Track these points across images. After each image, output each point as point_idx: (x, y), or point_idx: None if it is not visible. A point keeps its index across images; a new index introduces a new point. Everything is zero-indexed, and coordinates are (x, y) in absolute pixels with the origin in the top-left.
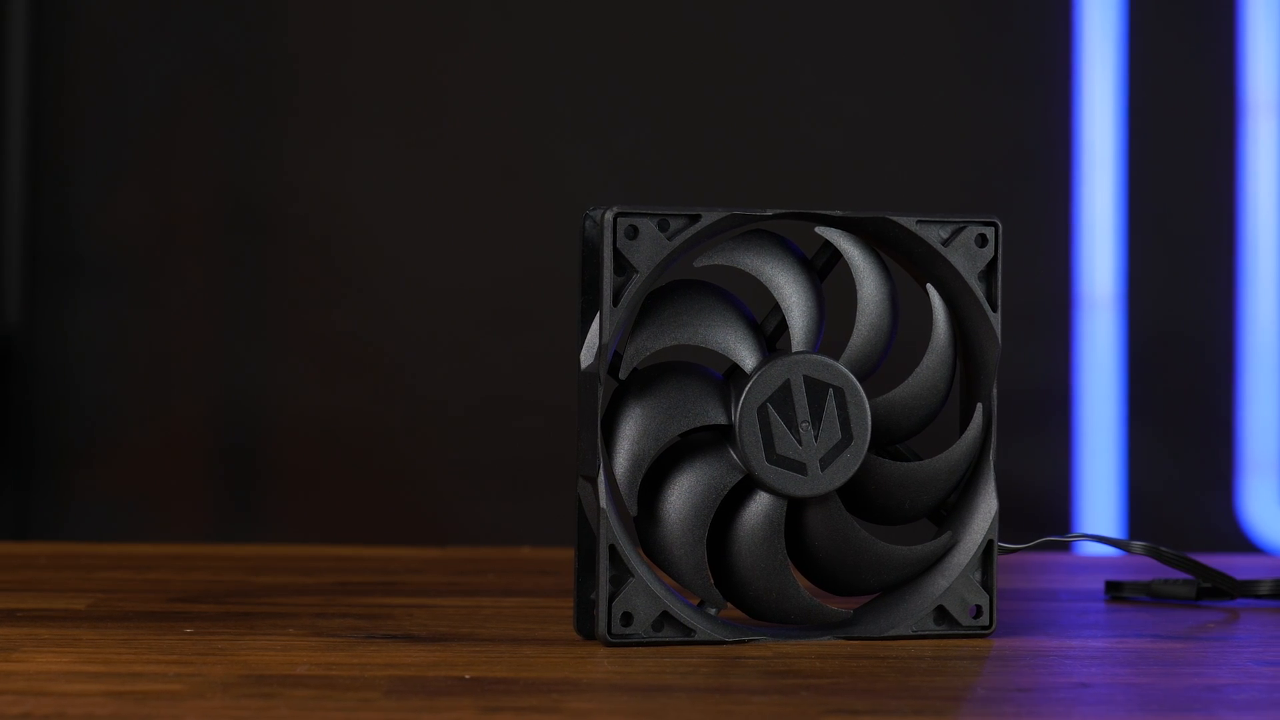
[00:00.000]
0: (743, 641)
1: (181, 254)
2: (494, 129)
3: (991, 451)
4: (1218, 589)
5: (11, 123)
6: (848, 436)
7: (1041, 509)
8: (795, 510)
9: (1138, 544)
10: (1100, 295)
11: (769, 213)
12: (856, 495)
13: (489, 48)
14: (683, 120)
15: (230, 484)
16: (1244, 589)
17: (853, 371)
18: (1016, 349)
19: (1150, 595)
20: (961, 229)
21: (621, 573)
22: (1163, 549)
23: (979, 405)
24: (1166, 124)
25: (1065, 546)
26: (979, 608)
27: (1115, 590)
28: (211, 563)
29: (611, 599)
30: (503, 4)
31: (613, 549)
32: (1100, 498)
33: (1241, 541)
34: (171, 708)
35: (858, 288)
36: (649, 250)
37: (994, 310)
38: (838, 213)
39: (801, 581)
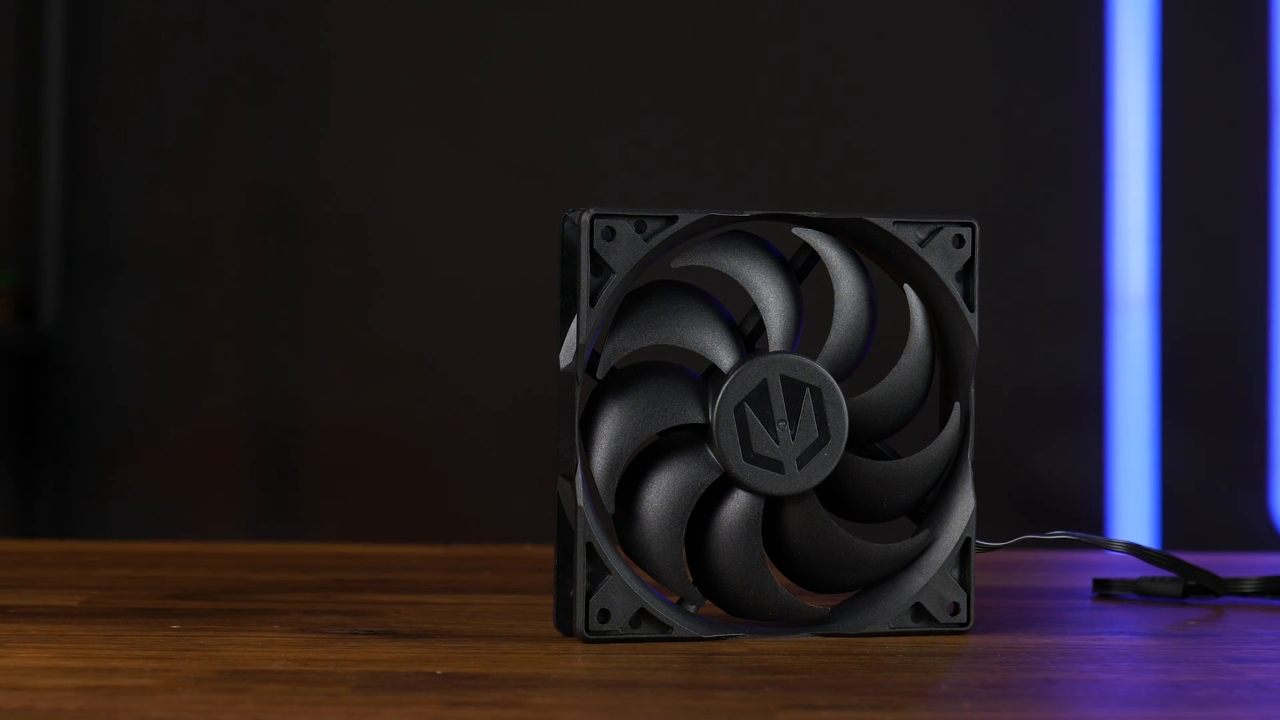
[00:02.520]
0: (720, 638)
1: (217, 254)
2: (528, 130)
3: (969, 450)
4: (1202, 587)
5: (49, 124)
6: (825, 435)
7: (1075, 508)
8: (773, 508)
9: (1119, 542)
10: (1133, 294)
11: (746, 214)
12: (835, 493)
13: (523, 50)
14: (721, 121)
15: (265, 482)
16: (1229, 587)
17: (830, 371)
18: (1050, 348)
19: (1137, 593)
20: (938, 230)
21: (599, 570)
22: (1145, 547)
23: (957, 404)
24: (1199, 123)
25: (1069, 544)
26: (957, 605)
27: (1103, 588)
28: (214, 560)
29: (589, 596)
30: (537, 7)
31: (590, 546)
32: (1134, 497)
33: (1276, 540)
34: (139, 702)
35: (835, 288)
36: (626, 251)
37: (971, 310)
38: (815, 214)
39: (780, 579)
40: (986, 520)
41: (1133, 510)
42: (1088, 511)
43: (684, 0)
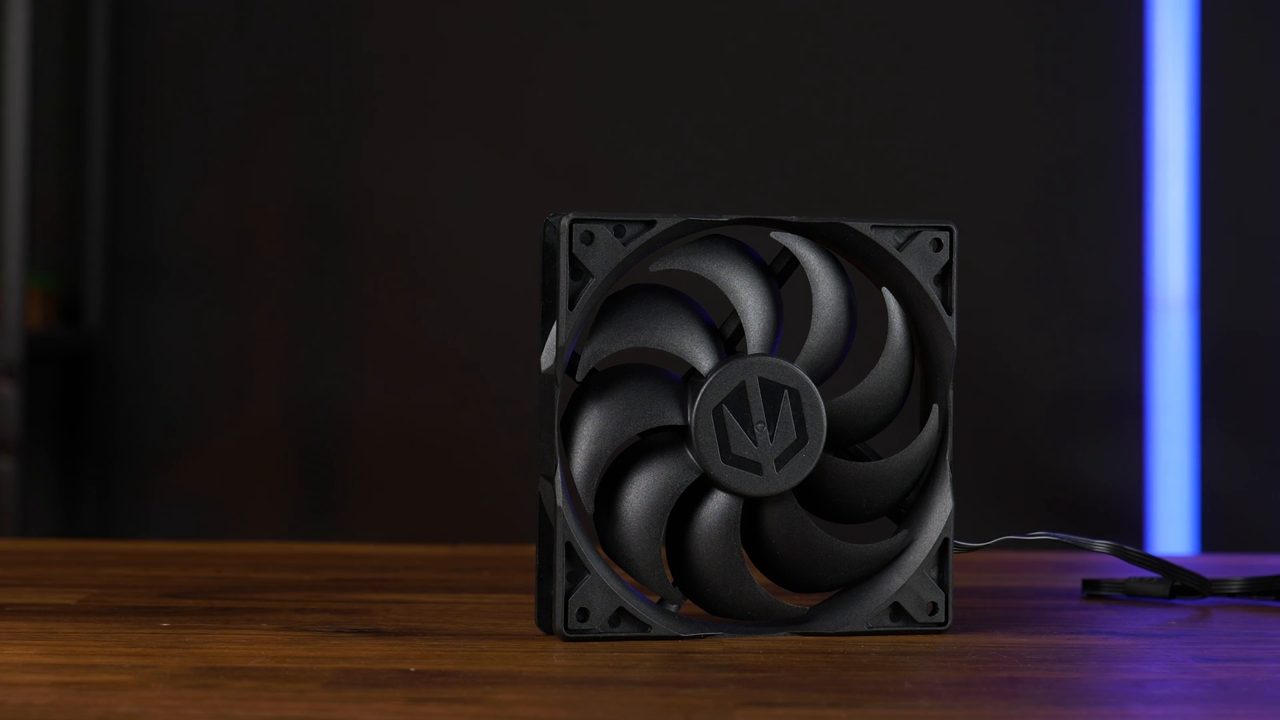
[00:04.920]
0: (699, 637)
1: (260, 257)
2: (569, 133)
3: (948, 452)
4: (1188, 587)
5: (93, 128)
6: (803, 437)
7: (1114, 509)
8: (753, 509)
9: (1102, 543)
10: (1173, 296)
11: (724, 218)
12: (815, 494)
13: (564, 55)
14: (764, 127)
15: (307, 484)
16: (1214, 587)
17: (809, 373)
18: (1089, 350)
19: (1125, 593)
20: (916, 234)
21: (578, 569)
22: (1128, 548)
23: (935, 406)
24: (1238, 125)
25: (1060, 545)
26: (935, 605)
27: (1092, 588)
28: (219, 559)
29: (568, 595)
30: (578, 12)
31: (569, 546)
32: (1174, 499)
33: None
34: (109, 697)
35: (813, 291)
36: (604, 255)
37: (949, 313)
38: (794, 218)
39: (760, 579)
40: (1022, 521)
41: (1172, 512)
42: (1127, 513)
43: (736, 6)
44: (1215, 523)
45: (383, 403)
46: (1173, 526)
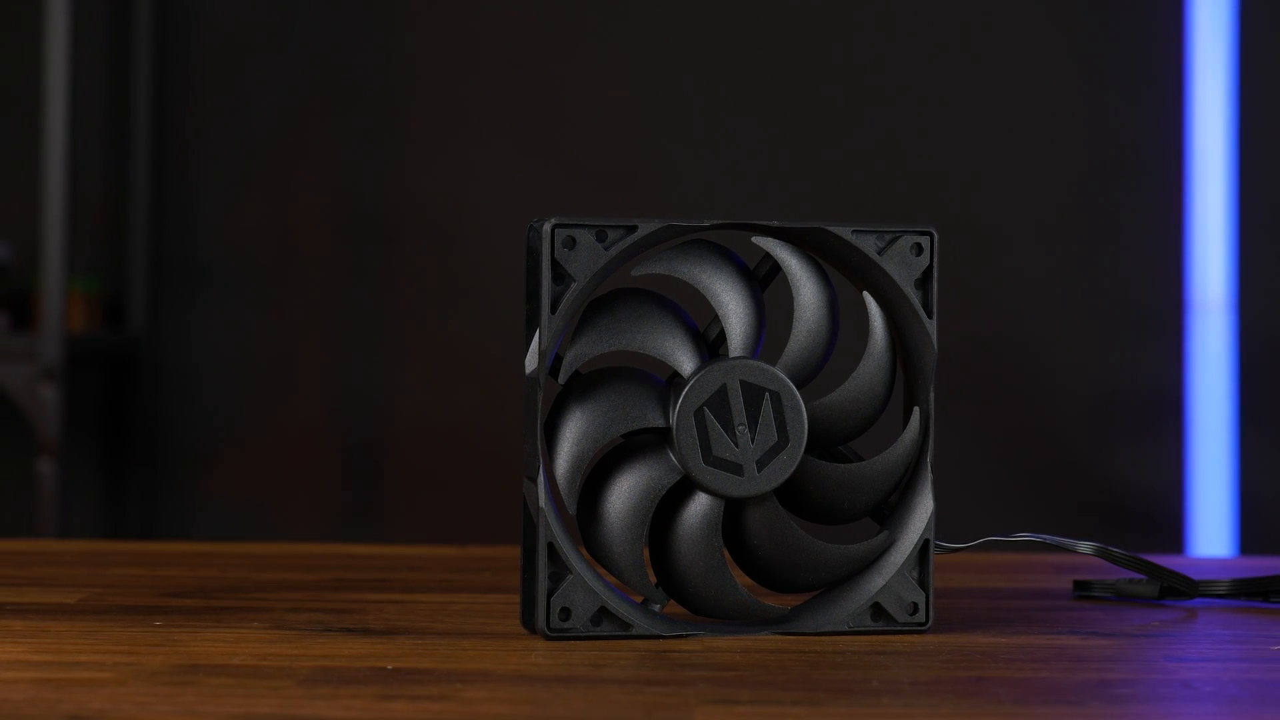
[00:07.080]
0: (679, 636)
1: (301, 260)
2: (609, 136)
3: (929, 454)
4: (1174, 588)
5: (137, 134)
6: (784, 439)
7: (1154, 511)
8: (735, 510)
9: (1085, 544)
10: (1212, 299)
11: (706, 223)
12: (797, 495)
13: (605, 57)
14: (802, 130)
15: (349, 485)
16: (1202, 588)
17: (791, 376)
18: (1128, 352)
19: (1115, 594)
20: (896, 238)
21: (560, 569)
22: (1113, 550)
23: (916, 409)
24: (1277, 127)
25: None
26: (915, 605)
27: (1083, 589)
28: (225, 559)
29: (550, 594)
30: (619, 15)
31: (551, 546)
32: (1213, 502)
33: None
34: (84, 694)
35: (795, 295)
36: (586, 260)
37: (930, 317)
38: (775, 223)
39: (742, 579)
40: (1063, 522)
41: (1212, 515)
42: (1166, 516)
43: (770, 6)
44: (1254, 525)
45: (423, 404)
46: (1212, 529)
